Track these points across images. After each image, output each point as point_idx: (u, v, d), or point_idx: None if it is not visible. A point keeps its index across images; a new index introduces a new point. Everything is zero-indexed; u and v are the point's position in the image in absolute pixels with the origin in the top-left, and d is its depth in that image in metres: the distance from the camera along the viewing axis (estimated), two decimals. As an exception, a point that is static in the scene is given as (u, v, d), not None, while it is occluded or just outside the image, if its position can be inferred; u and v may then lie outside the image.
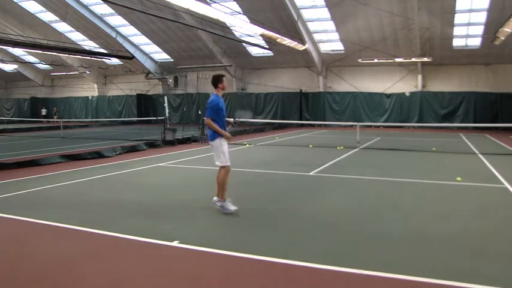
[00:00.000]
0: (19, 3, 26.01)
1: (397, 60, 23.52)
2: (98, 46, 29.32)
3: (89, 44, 29.01)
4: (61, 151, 13.48)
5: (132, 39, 28.88)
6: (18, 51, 31.81)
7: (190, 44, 27.67)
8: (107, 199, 6.93)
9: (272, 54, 26.62)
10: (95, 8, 25.48)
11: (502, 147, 14.64)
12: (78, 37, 29.32)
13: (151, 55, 31.05)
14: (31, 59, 31.86)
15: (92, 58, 25.57)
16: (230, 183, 5.75)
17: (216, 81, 6.12)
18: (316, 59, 26.72)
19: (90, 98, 36.47)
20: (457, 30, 22.02)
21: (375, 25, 22.47)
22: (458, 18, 20.91)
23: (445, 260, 4.14)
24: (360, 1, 19.91)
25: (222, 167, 6.02)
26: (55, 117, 34.41)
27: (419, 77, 25.75)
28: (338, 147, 14.25)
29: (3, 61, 33.12)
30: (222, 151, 5.95)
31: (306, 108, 28.75)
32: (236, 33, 24.03)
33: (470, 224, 5.48)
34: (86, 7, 25.06)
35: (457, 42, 23.05)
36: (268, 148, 15.04)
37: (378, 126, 25.20)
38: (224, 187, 5.95)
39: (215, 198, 6.00)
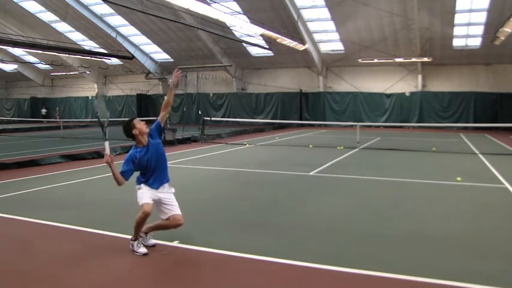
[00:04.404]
0: (19, 3, 25.98)
1: (397, 60, 23.51)
2: (98, 46, 29.31)
3: (89, 44, 29.00)
4: (61, 151, 13.48)
5: (132, 39, 28.87)
6: (18, 51, 31.79)
7: (190, 44, 27.66)
8: (107, 199, 6.93)
9: (272, 54, 26.59)
10: (95, 8, 25.45)
11: (502, 147, 14.63)
12: (78, 37, 29.31)
13: (151, 55, 31.04)
14: (31, 59, 31.82)
15: (92, 58, 25.56)
16: (231, 184, 5.74)
17: (129, 129, 4.45)
18: (316, 59, 26.71)
19: (90, 98, 36.46)
20: (457, 30, 22.01)
21: (375, 25, 22.46)
22: (458, 18, 20.90)
23: (445, 260, 4.14)
24: (360, 1, 19.90)
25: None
26: (58, 117, 34.36)
27: (420, 77, 25.74)
28: (338, 147, 14.25)
29: (3, 61, 33.10)
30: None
31: (306, 108, 28.74)
32: (236, 33, 24.01)
33: (471, 224, 5.48)
34: (86, 7, 25.03)
35: (457, 42, 23.04)
36: (268, 148, 15.03)
37: (378, 126, 25.20)
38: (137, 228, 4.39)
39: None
